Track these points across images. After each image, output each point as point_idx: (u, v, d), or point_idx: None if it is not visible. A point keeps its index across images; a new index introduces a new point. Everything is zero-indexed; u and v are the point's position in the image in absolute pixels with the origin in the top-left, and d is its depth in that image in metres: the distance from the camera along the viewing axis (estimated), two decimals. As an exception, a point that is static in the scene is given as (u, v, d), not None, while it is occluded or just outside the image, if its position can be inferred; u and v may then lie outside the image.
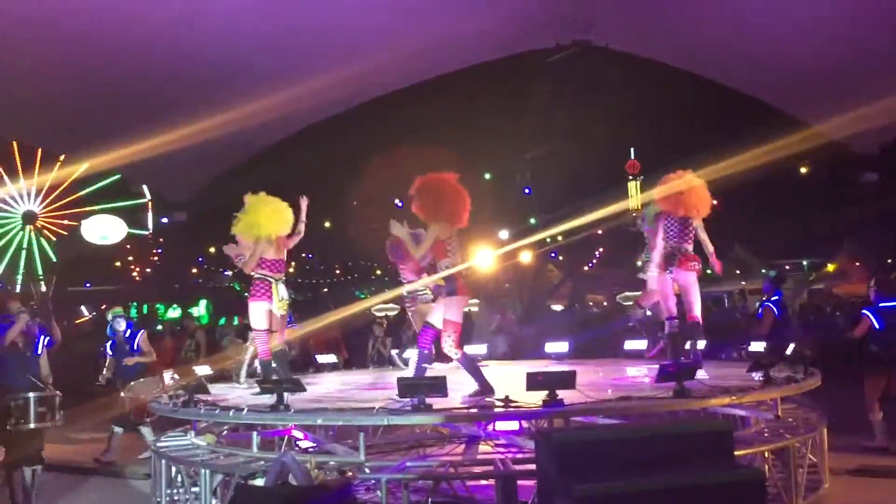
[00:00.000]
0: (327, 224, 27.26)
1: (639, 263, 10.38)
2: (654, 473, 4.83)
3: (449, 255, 7.10)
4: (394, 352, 11.81)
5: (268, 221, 8.37)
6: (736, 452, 5.58)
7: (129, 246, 29.56)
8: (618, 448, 5.04)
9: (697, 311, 8.50)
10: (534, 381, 5.93)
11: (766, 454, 6.38)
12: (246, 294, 9.22)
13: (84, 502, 8.11)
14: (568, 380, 5.95)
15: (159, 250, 33.39)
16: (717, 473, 5.04)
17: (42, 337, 7.72)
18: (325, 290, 40.70)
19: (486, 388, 6.65)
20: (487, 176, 23.69)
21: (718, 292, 28.23)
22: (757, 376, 6.84)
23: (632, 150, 23.99)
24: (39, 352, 7.56)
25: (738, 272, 31.50)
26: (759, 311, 10.97)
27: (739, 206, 26.50)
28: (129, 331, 10.41)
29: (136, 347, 10.29)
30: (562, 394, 5.92)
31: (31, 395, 6.94)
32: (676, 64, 18.79)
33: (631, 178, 36.60)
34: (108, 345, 10.45)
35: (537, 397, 6.02)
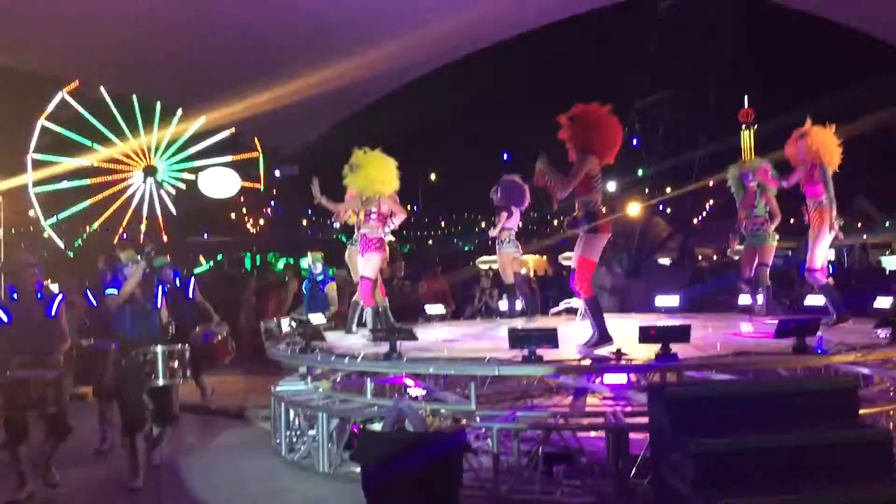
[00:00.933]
0: (433, 176, 27.43)
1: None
2: (773, 430, 4.73)
3: (594, 192, 6.86)
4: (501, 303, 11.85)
5: (383, 179, 8.54)
6: (860, 411, 5.39)
7: (242, 198, 30.51)
8: (735, 404, 4.95)
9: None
10: (647, 335, 5.86)
11: (892, 413, 6.14)
12: (350, 245, 9.44)
13: (210, 442, 8.44)
14: (682, 334, 5.85)
15: (272, 202, 34.39)
16: (840, 432, 4.88)
17: (161, 287, 7.38)
18: (430, 241, 41.12)
19: (604, 337, 6.52)
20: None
21: (837, 246, 26.99)
22: (883, 333, 6.53)
23: (745, 97, 23.07)
24: (159, 304, 7.08)
25: (859, 226, 30.07)
26: None
27: (862, 156, 25.18)
28: (177, 279, 9.84)
29: (191, 296, 9.83)
30: (675, 348, 5.83)
31: (159, 348, 6.61)
32: (794, 6, 17.83)
33: (744, 127, 35.25)
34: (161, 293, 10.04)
35: (649, 351, 5.95)
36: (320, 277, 10.67)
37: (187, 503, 6.20)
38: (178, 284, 9.77)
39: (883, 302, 7.71)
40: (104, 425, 7.94)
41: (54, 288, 10.86)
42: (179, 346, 6.80)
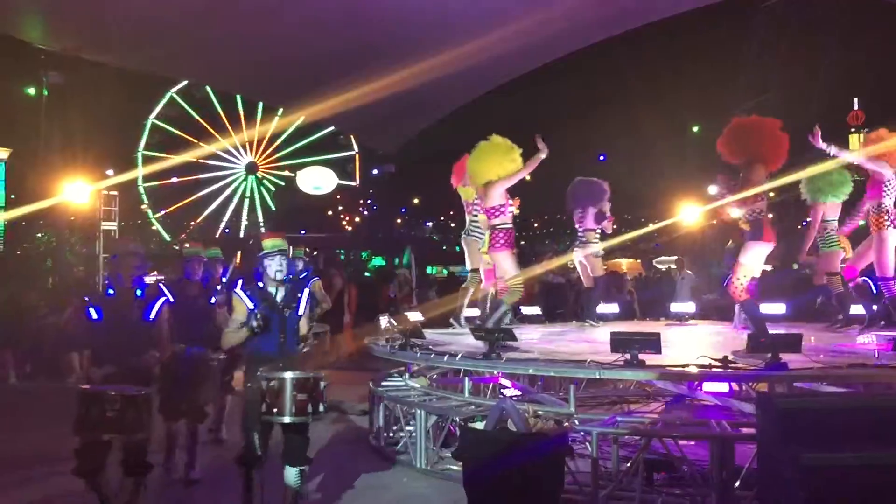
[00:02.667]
0: (528, 177, 27.32)
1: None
2: (889, 447, 4.53)
3: (759, 200, 7.12)
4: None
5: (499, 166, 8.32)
6: None
7: (339, 196, 31.14)
8: (849, 418, 4.75)
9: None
10: (756, 343, 5.70)
11: None
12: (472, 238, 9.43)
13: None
14: (793, 343, 5.67)
15: (368, 200, 34.96)
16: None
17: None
18: (522, 242, 41.05)
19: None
20: (695, 129, 22.76)
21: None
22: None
23: (855, 100, 22.13)
24: (301, 310, 5.41)
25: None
26: None
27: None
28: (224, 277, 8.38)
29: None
30: (785, 357, 5.65)
31: (288, 376, 4.86)
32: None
33: (853, 129, 33.80)
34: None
35: (758, 360, 5.79)
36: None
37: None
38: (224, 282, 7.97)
39: None
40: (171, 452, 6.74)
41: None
42: (313, 375, 4.99)
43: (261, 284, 5.30)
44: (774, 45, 21.17)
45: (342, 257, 28.45)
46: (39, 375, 12.81)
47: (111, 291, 5.66)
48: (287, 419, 4.83)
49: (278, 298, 5.29)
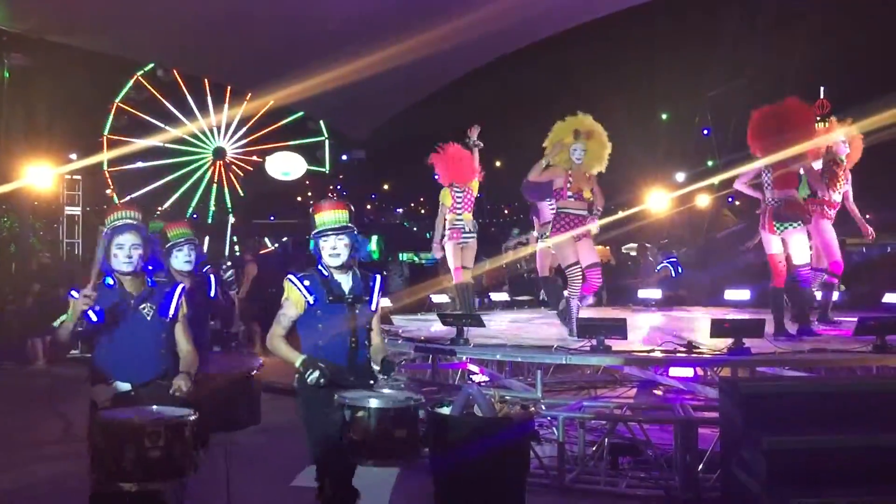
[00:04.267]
0: (498, 163, 27.29)
1: None
2: (849, 430, 4.61)
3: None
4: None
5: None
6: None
7: (308, 182, 30.88)
8: (810, 402, 4.84)
9: None
10: (719, 328, 5.77)
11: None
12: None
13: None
14: (756, 328, 5.75)
15: (338, 186, 34.72)
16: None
17: None
18: (493, 229, 41.08)
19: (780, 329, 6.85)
20: (664, 116, 22.92)
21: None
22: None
23: (821, 88, 22.34)
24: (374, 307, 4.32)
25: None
26: None
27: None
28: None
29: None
30: (748, 342, 5.73)
31: (378, 405, 3.77)
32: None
33: (819, 118, 34.20)
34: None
35: (722, 344, 5.87)
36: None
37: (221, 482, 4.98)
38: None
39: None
40: None
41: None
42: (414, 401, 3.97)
43: (325, 271, 4.12)
44: (747, 31, 21.34)
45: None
46: (4, 361, 12.62)
47: (110, 282, 4.00)
48: (383, 465, 3.86)
49: (346, 289, 4.14)
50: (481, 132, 9.36)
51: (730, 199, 24.45)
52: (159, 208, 27.78)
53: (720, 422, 5.19)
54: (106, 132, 27.05)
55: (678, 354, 5.98)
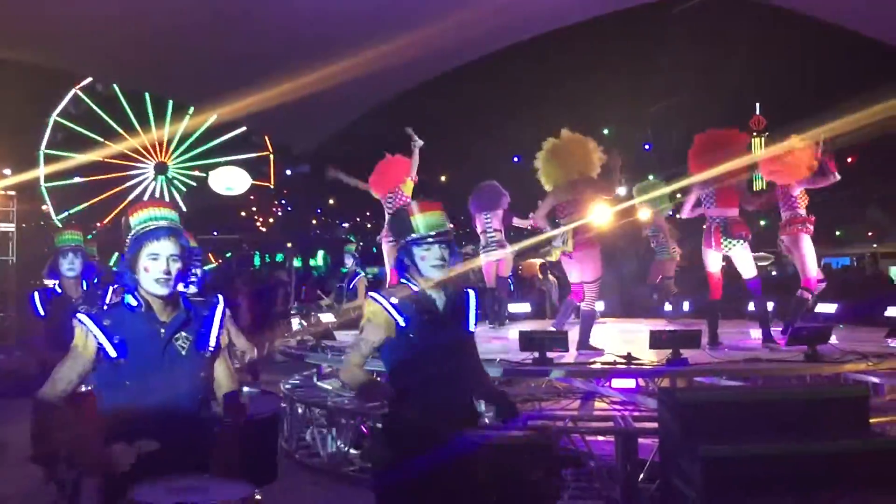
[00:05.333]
0: (443, 178, 27.43)
1: None
2: (784, 438, 4.72)
3: None
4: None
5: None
6: (871, 420, 5.37)
7: (252, 197, 30.59)
8: (746, 411, 4.94)
9: None
10: (657, 340, 5.86)
11: (903, 424, 6.11)
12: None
13: None
14: (692, 339, 5.85)
15: (283, 201, 34.45)
16: (851, 441, 4.87)
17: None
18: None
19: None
20: (605, 131, 23.26)
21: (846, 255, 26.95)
22: (895, 343, 6.52)
23: (757, 105, 22.95)
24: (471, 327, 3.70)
25: (869, 234, 29.91)
26: None
27: (873, 165, 25.06)
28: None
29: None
30: (685, 353, 5.83)
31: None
32: (813, 13, 17.79)
33: (755, 134, 35.12)
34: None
35: (660, 356, 5.96)
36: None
37: None
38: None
39: (895, 311, 7.69)
40: None
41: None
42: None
43: (414, 286, 3.40)
44: (685, 49, 21.85)
45: (256, 259, 27.98)
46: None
47: (133, 303, 3.00)
48: None
49: (440, 306, 3.41)
50: (427, 145, 9.47)
51: (671, 213, 24.92)
52: (98, 224, 27.25)
53: (659, 431, 5.26)
54: (43, 147, 26.45)
55: (618, 366, 6.06)
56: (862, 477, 4.52)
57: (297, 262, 28.30)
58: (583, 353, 6.93)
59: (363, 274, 10.14)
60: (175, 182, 29.77)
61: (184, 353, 3.01)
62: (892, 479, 4.51)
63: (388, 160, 10.02)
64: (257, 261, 26.94)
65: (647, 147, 22.60)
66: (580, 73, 23.53)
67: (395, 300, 3.33)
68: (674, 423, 4.83)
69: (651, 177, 22.30)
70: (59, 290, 4.91)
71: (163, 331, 2.98)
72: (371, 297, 3.39)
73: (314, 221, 41.05)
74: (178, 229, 3.00)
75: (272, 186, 29.82)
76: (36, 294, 4.87)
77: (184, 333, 3.03)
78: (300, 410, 7.46)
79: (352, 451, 6.70)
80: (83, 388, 3.06)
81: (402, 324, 3.26)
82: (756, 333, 8.47)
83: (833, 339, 6.62)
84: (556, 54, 22.40)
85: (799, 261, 7.92)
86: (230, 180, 28.03)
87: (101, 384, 2.96)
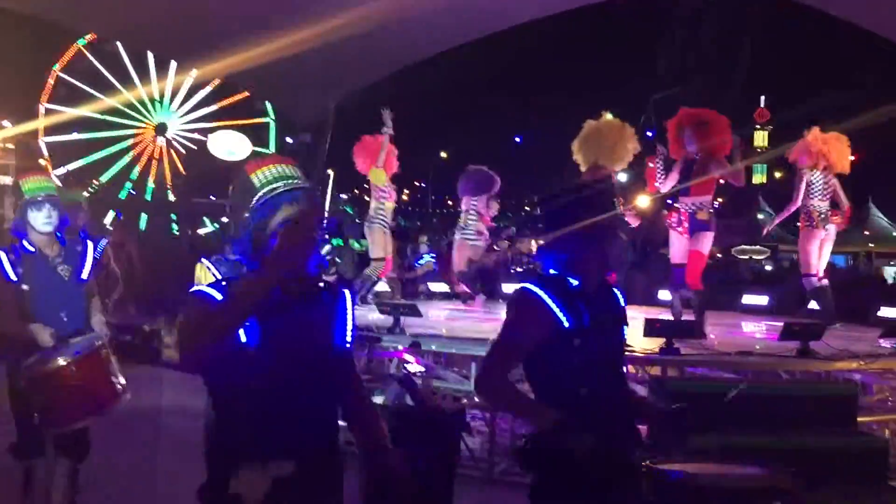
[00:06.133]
0: (443, 154, 27.35)
1: None
2: (771, 432, 4.76)
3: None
4: None
5: None
6: (858, 419, 5.41)
7: (252, 163, 30.57)
8: (735, 403, 4.95)
9: None
10: (652, 328, 5.87)
11: (890, 423, 6.16)
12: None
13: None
14: (687, 329, 5.86)
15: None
16: (838, 438, 4.92)
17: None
18: (435, 220, 41.15)
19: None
20: (609, 116, 23.20)
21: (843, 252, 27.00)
22: (888, 343, 6.54)
23: (762, 97, 22.95)
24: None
25: (867, 233, 29.96)
26: None
27: (877, 163, 25.08)
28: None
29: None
30: (678, 343, 5.84)
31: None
32: (823, 7, 17.65)
33: (758, 126, 35.00)
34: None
35: (653, 344, 5.97)
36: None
37: (142, 463, 5.56)
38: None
39: (888, 312, 7.71)
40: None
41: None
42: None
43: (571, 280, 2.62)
44: (693, 37, 21.77)
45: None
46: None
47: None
48: None
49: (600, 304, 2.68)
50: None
51: (669, 201, 24.91)
52: (95, 181, 27.18)
53: (648, 420, 5.28)
54: (44, 101, 26.28)
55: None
56: (847, 473, 4.56)
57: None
58: None
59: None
60: (175, 143, 29.64)
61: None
62: (875, 477, 4.56)
63: (363, 141, 9.94)
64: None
65: (649, 134, 22.51)
66: (588, 56, 23.47)
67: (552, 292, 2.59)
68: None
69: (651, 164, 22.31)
70: (32, 248, 4.09)
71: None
72: (527, 289, 2.59)
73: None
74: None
75: (272, 154, 29.75)
76: (2, 255, 4.05)
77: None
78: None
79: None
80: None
81: (566, 324, 2.52)
82: (748, 327, 8.52)
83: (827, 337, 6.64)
84: (561, 36, 22.32)
85: None
86: (231, 145, 27.89)
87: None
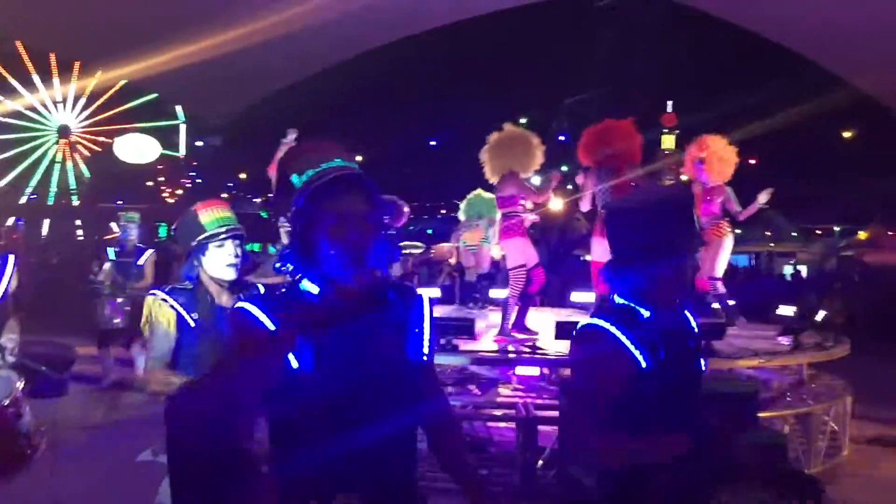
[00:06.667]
0: (359, 158, 27.16)
1: None
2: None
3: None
4: None
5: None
6: (759, 415, 5.61)
7: (161, 167, 29.70)
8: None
9: None
10: (563, 330, 5.96)
11: (788, 418, 6.40)
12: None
13: (108, 417, 7.88)
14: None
15: (192, 173, 33.53)
16: (739, 434, 5.06)
17: None
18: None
19: None
20: (522, 121, 23.50)
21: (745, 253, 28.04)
22: (785, 340, 6.81)
23: (669, 102, 23.64)
24: None
25: (767, 233, 31.18)
26: None
27: (776, 166, 26.14)
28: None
29: (139, 263, 8.70)
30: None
31: None
32: (722, 15, 18.36)
33: (666, 130, 36.02)
34: (115, 249, 8.78)
35: (565, 346, 6.05)
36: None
37: (81, 481, 5.63)
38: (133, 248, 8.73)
39: (785, 310, 8.01)
40: None
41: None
42: None
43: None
44: (601, 43, 22.26)
45: (163, 231, 27.19)
46: None
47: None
48: None
49: None
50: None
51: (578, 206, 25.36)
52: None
53: (559, 420, 5.36)
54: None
55: (523, 355, 6.14)
56: (747, 470, 4.71)
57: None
58: (500, 338, 7.01)
59: (153, 250, 9.30)
60: (79, 146, 28.63)
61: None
62: (776, 474, 4.71)
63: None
64: (163, 232, 26.17)
65: (562, 138, 22.93)
66: (499, 62, 23.72)
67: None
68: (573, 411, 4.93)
69: (564, 168, 22.71)
70: None
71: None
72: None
73: (225, 195, 40.23)
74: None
75: (182, 157, 29.01)
76: None
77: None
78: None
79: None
80: None
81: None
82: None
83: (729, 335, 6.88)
84: (477, 40, 22.49)
85: None
86: (138, 148, 27.15)
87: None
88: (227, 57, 14.81)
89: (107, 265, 8.70)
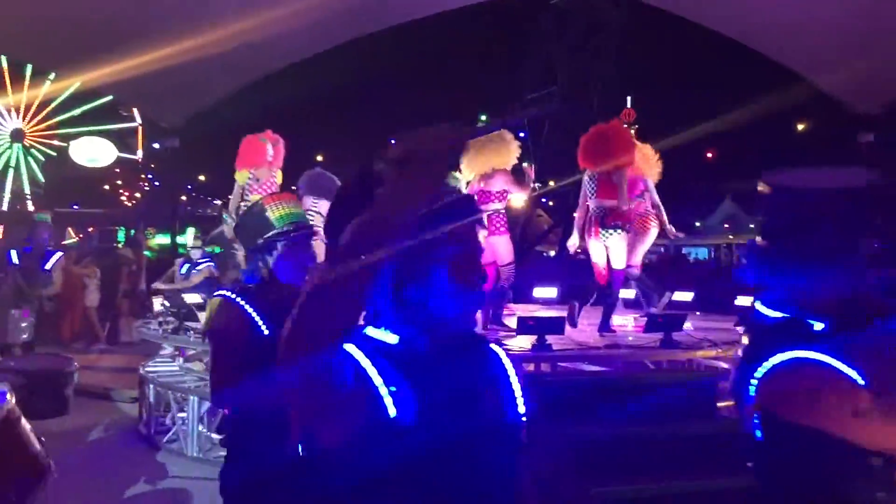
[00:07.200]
0: (319, 157, 27.03)
1: None
2: (636, 422, 4.95)
3: None
4: None
5: None
6: (718, 404, 5.70)
7: (118, 170, 29.24)
8: (601, 394, 5.15)
9: None
10: (524, 326, 5.98)
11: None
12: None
13: (67, 425, 7.84)
14: (557, 325, 6.01)
15: (150, 176, 33.09)
16: (698, 424, 5.16)
17: None
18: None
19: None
20: (483, 117, 23.56)
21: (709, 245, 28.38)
22: (743, 330, 6.91)
23: (628, 98, 23.83)
24: None
25: (726, 226, 31.65)
26: None
27: (732, 160, 26.53)
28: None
29: (47, 268, 8.37)
30: (550, 339, 5.98)
31: None
32: (678, 12, 18.58)
33: (625, 126, 36.43)
34: (16, 252, 8.41)
35: (526, 341, 6.09)
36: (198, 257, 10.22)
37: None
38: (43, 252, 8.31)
39: (744, 301, 8.13)
40: None
41: None
42: None
43: None
44: (560, 39, 22.40)
45: (121, 235, 26.80)
46: None
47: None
48: None
49: None
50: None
51: (543, 200, 25.57)
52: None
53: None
54: None
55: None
56: (707, 458, 4.79)
57: (162, 239, 27.34)
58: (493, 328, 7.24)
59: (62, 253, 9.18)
60: (33, 150, 28.10)
61: None
62: (734, 461, 4.79)
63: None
64: (122, 236, 25.78)
65: (522, 135, 23.02)
66: (458, 59, 23.75)
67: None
68: (536, 405, 4.97)
69: (525, 164, 22.83)
70: None
71: None
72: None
73: (184, 198, 39.81)
74: None
75: (139, 159, 28.60)
76: None
77: None
78: (161, 394, 7.20)
79: (215, 436, 6.53)
80: None
81: None
82: (619, 320, 8.81)
83: (689, 326, 6.96)
84: (434, 40, 22.52)
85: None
86: (94, 151, 26.67)
87: None
88: (185, 58, 14.60)
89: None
